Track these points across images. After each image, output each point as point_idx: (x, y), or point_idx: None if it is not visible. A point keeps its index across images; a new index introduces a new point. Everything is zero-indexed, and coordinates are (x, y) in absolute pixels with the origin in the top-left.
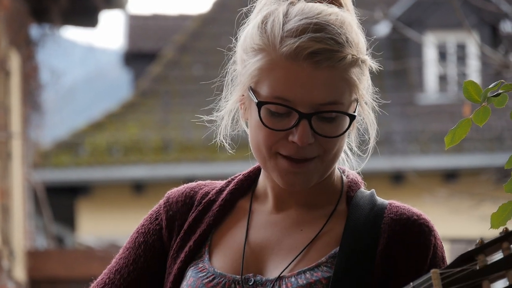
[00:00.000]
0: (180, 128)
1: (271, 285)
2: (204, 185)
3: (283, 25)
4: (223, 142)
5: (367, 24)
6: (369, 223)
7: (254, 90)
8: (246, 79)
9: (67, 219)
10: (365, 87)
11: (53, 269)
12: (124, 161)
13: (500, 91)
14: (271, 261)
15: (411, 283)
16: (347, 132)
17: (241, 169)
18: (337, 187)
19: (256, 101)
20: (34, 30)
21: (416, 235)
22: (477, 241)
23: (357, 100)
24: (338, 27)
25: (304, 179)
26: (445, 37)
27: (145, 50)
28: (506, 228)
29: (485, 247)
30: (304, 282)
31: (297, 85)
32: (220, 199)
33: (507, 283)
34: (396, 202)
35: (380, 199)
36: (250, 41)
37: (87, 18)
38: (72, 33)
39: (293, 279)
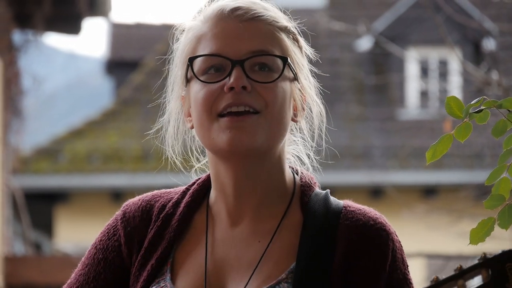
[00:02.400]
0: (160, 137)
1: None
2: (160, 196)
3: (205, 8)
4: (172, 155)
5: (349, 38)
6: (325, 232)
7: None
8: (182, 64)
9: (45, 225)
10: (301, 62)
11: (30, 276)
12: (103, 169)
13: (482, 107)
14: (232, 277)
15: None
16: (289, 108)
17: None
18: (288, 191)
19: (191, 56)
20: (17, 36)
21: (373, 241)
22: (432, 278)
23: (290, 66)
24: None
25: (249, 135)
26: (427, 53)
27: (127, 59)
28: (460, 265)
29: (440, 284)
30: None
31: (225, 38)
32: (178, 213)
33: None
34: (352, 205)
35: (334, 202)
36: (180, 35)
37: (70, 25)
38: (54, 39)
39: None
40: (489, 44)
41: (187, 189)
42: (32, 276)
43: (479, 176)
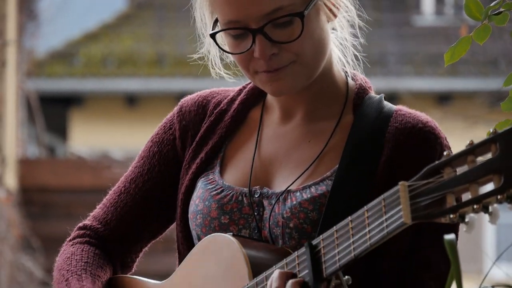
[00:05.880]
0: (174, 42)
1: (277, 198)
2: (217, 93)
3: None
4: (220, 73)
5: None
6: (373, 133)
7: (215, 21)
8: (206, 11)
9: (60, 129)
10: None
11: (43, 178)
12: (118, 73)
13: (501, 9)
14: (279, 174)
15: (382, 196)
16: (324, 28)
17: (234, 85)
18: (342, 93)
19: (211, 32)
20: None
21: (421, 144)
22: (445, 154)
23: None
24: None
25: (289, 83)
26: None
27: None
28: (472, 141)
29: (451, 160)
30: (309, 196)
31: (238, 3)
32: (231, 110)
33: (470, 197)
34: (404, 109)
35: (388, 106)
36: None
37: None
38: None
39: (298, 193)
40: None
41: (244, 87)
42: (46, 178)
43: (493, 83)
